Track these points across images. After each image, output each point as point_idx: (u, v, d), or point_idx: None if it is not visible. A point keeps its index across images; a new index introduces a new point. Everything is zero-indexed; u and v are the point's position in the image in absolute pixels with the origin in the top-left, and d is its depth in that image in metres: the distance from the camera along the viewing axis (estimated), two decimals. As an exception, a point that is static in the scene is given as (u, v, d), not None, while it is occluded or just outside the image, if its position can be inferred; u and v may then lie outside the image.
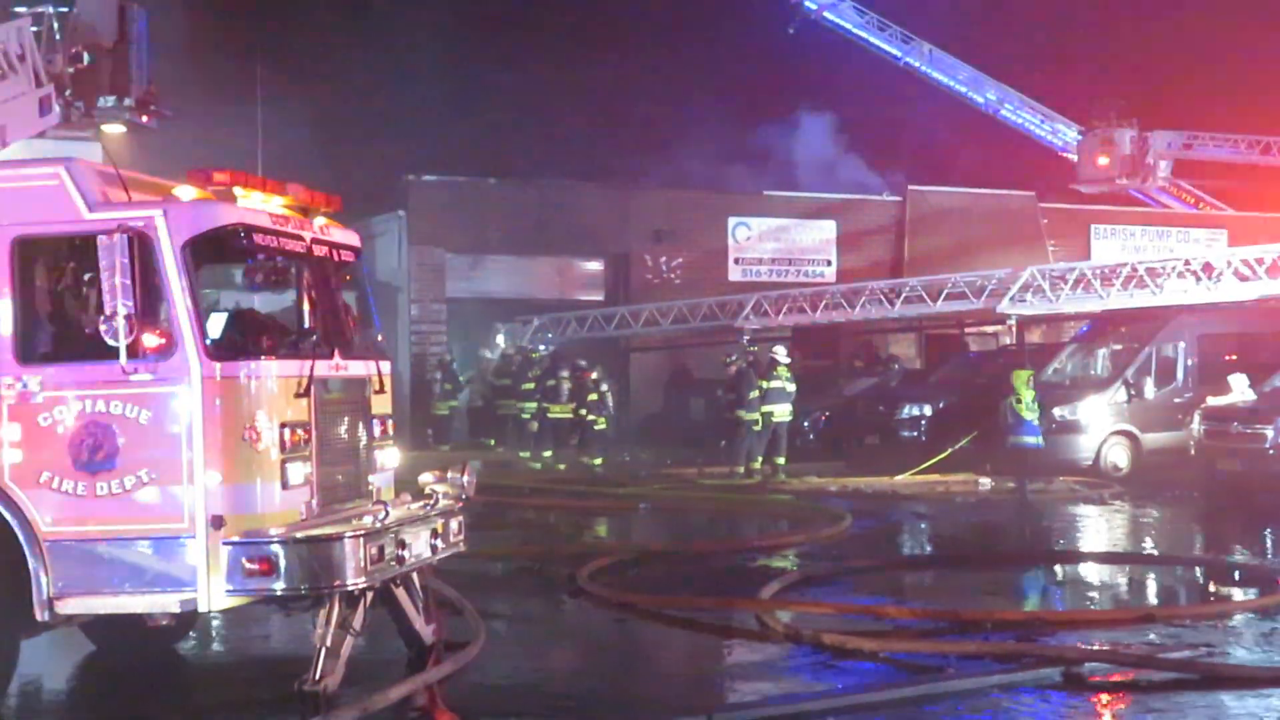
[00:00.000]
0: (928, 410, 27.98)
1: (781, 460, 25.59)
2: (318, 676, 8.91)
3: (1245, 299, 25.58)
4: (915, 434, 27.73)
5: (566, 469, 27.81)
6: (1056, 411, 24.62)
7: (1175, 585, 15.11)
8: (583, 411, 28.50)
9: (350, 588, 8.94)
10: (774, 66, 52.11)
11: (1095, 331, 27.49)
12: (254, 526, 8.87)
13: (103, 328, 8.71)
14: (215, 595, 8.84)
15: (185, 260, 8.94)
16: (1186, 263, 26.84)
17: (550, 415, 28.97)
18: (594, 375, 28.86)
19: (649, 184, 40.95)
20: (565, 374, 29.06)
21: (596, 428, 28.51)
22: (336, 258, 10.21)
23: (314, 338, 9.67)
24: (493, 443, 32.07)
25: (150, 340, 8.87)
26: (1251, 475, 20.96)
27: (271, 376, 9.13)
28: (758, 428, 25.72)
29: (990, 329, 35.10)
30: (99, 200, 9.10)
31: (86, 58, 19.74)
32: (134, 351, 8.79)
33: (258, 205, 9.60)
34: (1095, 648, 10.89)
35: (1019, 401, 21.31)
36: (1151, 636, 11.45)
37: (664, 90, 51.51)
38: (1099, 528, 19.55)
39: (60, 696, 10.33)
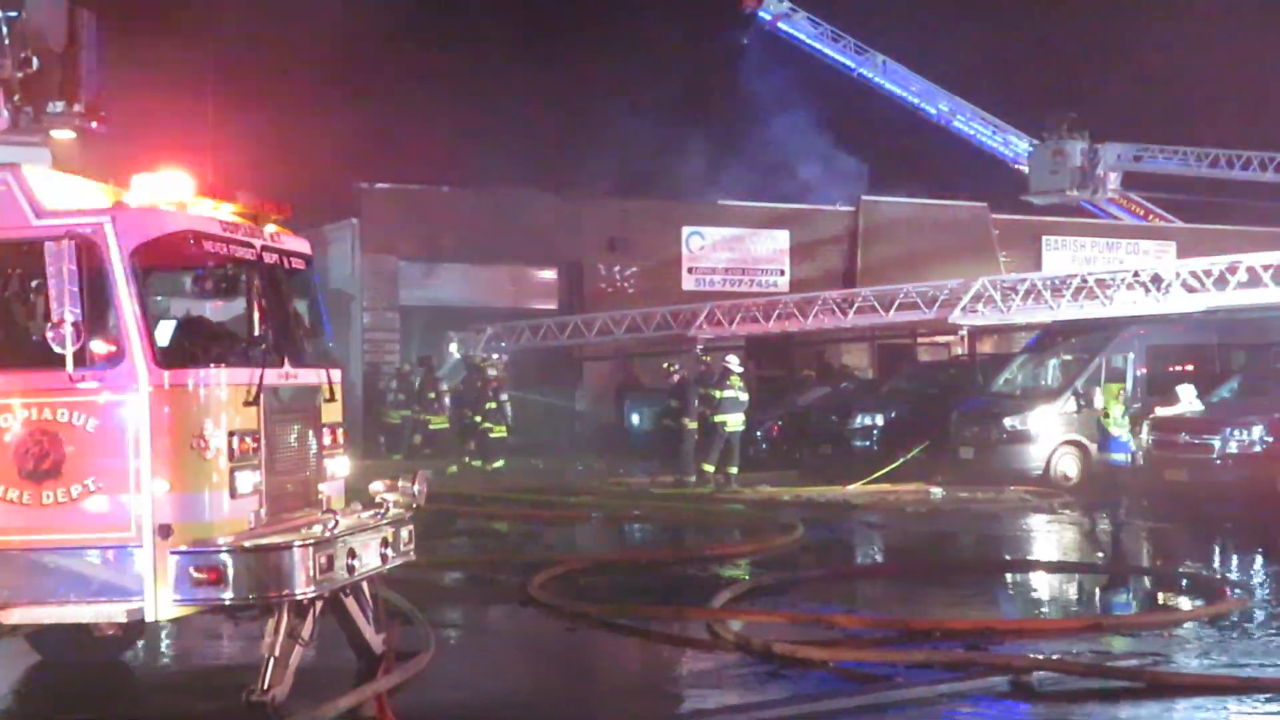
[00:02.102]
0: (879, 420, 28.13)
1: (734, 469, 25.61)
2: (266, 686, 8.85)
3: (1193, 310, 25.80)
4: (867, 443, 27.87)
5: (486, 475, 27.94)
6: (1007, 421, 24.82)
7: (1123, 594, 15.21)
8: (478, 419, 28.77)
9: (299, 597, 8.89)
10: (728, 77, 52.23)
11: (1045, 342, 27.66)
12: (202, 535, 8.80)
13: (49, 335, 8.64)
14: (163, 605, 8.78)
15: (133, 267, 8.88)
16: (1136, 274, 27.10)
17: (431, 427, 29.20)
18: (498, 384, 29.13)
19: (603, 192, 40.98)
20: (446, 387, 29.47)
21: (492, 436, 28.70)
22: (287, 265, 10.16)
23: (264, 346, 9.61)
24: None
25: (98, 348, 8.81)
26: (1198, 485, 21.16)
27: (220, 384, 9.07)
28: (695, 437, 25.85)
29: (942, 339, 35.31)
30: (46, 207, 9.02)
31: (35, 63, 19.57)
32: (81, 359, 8.71)
33: (207, 212, 9.54)
34: (1043, 656, 10.94)
35: (1107, 416, 20.03)
36: (1099, 645, 11.53)
37: (618, 99, 51.54)
38: (1048, 537, 19.66)
39: (5, 707, 10.23)
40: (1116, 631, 12.08)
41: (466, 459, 28.72)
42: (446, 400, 29.34)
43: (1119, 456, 19.97)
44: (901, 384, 30.60)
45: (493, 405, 28.76)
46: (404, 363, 34.58)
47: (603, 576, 15.52)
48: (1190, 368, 24.71)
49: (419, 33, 48.82)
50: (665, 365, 28.25)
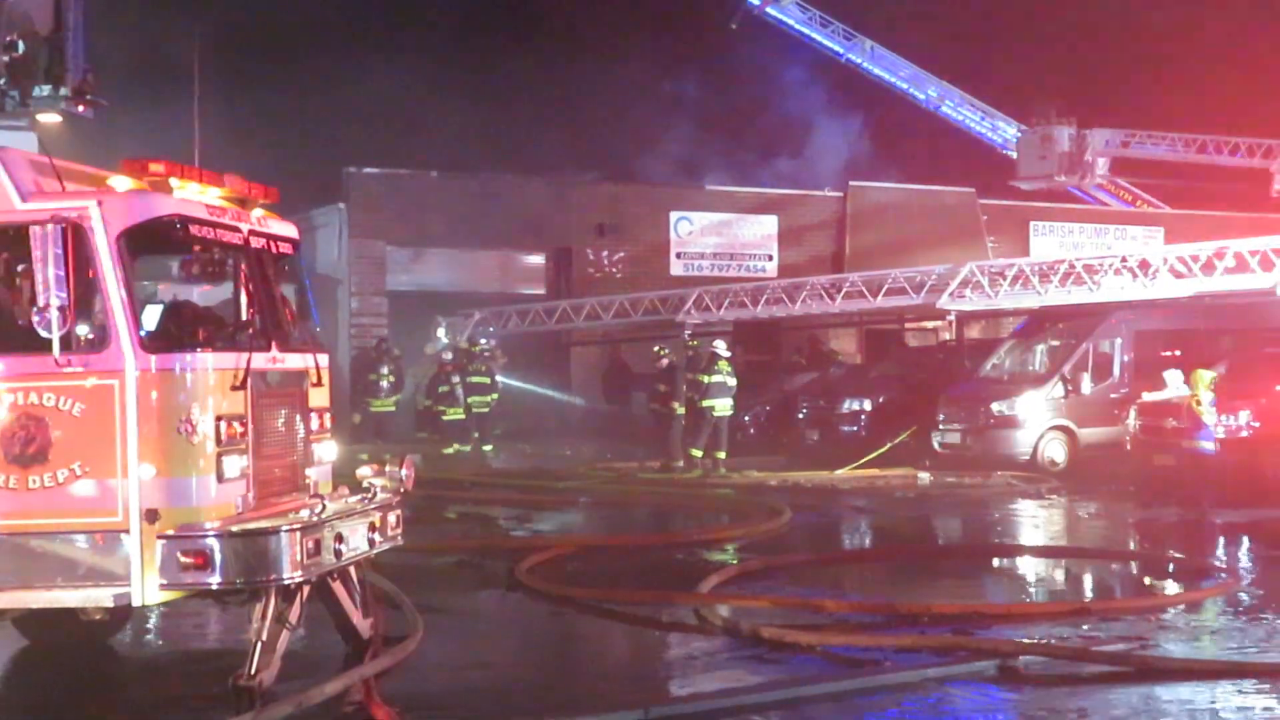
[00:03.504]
0: (867, 405, 28.16)
1: (722, 454, 25.63)
2: (253, 671, 8.84)
3: (1181, 295, 25.82)
4: (855, 428, 27.91)
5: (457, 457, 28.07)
6: (994, 406, 24.85)
7: (1110, 579, 15.24)
8: (428, 403, 29.13)
9: (286, 582, 8.87)
10: (716, 61, 52.22)
11: (1033, 327, 27.71)
12: (189, 520, 8.78)
13: (36, 319, 8.61)
14: (150, 589, 8.76)
15: (120, 251, 8.85)
16: (1124, 259, 27.07)
17: (371, 410, 29.41)
18: (452, 368, 29.35)
19: (591, 177, 40.95)
20: (386, 370, 29.75)
21: (446, 419, 28.96)
22: (274, 249, 10.13)
23: (251, 330, 9.59)
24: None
25: (84, 332, 8.78)
26: (1186, 470, 21.17)
27: (207, 369, 9.04)
28: (683, 422, 25.89)
29: (930, 324, 35.34)
30: (33, 190, 9.00)
31: (21, 46, 19.49)
32: (67, 343, 8.69)
33: (194, 196, 9.51)
34: (1030, 640, 10.98)
35: (1199, 404, 19.52)
36: (1086, 629, 11.55)
37: (607, 84, 51.54)
38: (1036, 522, 19.69)
39: (-8, 692, 10.24)
40: (1103, 616, 12.09)
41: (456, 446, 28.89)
42: (384, 384, 29.71)
43: (1208, 445, 19.49)
44: (889, 369, 30.64)
45: (445, 389, 29.11)
46: (392, 347, 34.53)
47: (590, 561, 15.52)
48: (1178, 353, 24.73)
49: (407, 17, 48.76)
50: (656, 349, 28.25)
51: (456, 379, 29.35)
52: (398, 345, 34.47)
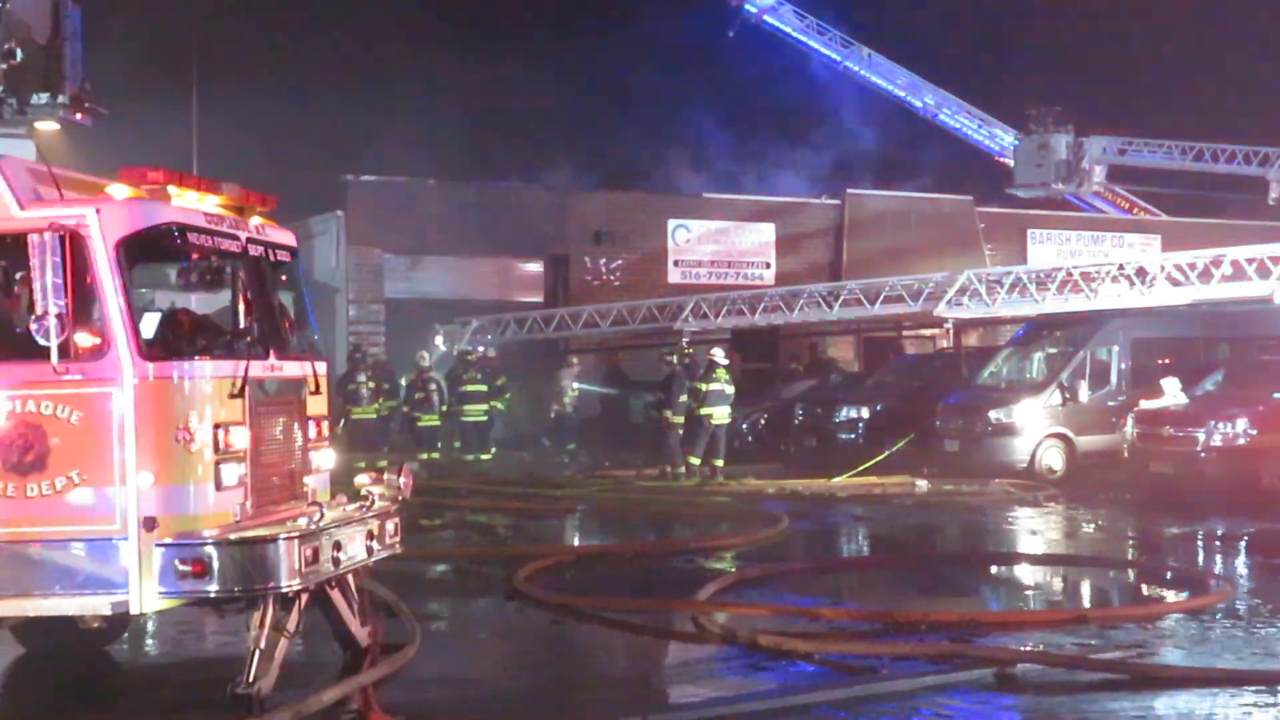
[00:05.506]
0: (865, 413, 28.15)
1: (720, 462, 25.61)
2: (251, 679, 8.84)
3: (1178, 303, 25.84)
4: (853, 436, 27.89)
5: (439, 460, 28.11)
6: (992, 414, 24.86)
7: (1108, 587, 15.23)
8: (405, 409, 29.67)
9: (284, 590, 8.88)
10: (714, 69, 52.27)
11: (1031, 335, 27.73)
12: (187, 528, 8.79)
13: (34, 327, 8.61)
14: (148, 597, 8.76)
15: (118, 259, 8.85)
16: (1121, 267, 27.12)
17: (353, 416, 29.59)
18: (429, 375, 29.60)
19: (588, 185, 40.97)
20: (363, 377, 29.92)
21: (421, 425, 29.46)
22: (272, 258, 10.14)
23: (249, 338, 9.59)
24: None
25: (82, 340, 8.78)
26: (1183, 478, 21.20)
27: (205, 377, 9.05)
28: (680, 430, 25.86)
29: (927, 332, 35.34)
30: (31, 198, 8.99)
31: (20, 54, 19.54)
32: (66, 351, 8.68)
33: (192, 204, 9.51)
34: (1028, 649, 10.97)
35: None
36: (1084, 637, 11.55)
37: (605, 91, 51.60)
38: (1033, 529, 19.69)
39: (-11, 700, 10.22)
40: (1101, 624, 12.09)
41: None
42: (364, 391, 29.88)
43: None
44: (887, 377, 30.63)
45: (420, 395, 29.29)
46: (381, 353, 34.56)
47: (588, 569, 15.51)
48: (1175, 361, 24.77)
49: (405, 25, 48.79)
50: (666, 356, 28.23)
51: (433, 386, 29.53)
52: (386, 352, 34.51)
